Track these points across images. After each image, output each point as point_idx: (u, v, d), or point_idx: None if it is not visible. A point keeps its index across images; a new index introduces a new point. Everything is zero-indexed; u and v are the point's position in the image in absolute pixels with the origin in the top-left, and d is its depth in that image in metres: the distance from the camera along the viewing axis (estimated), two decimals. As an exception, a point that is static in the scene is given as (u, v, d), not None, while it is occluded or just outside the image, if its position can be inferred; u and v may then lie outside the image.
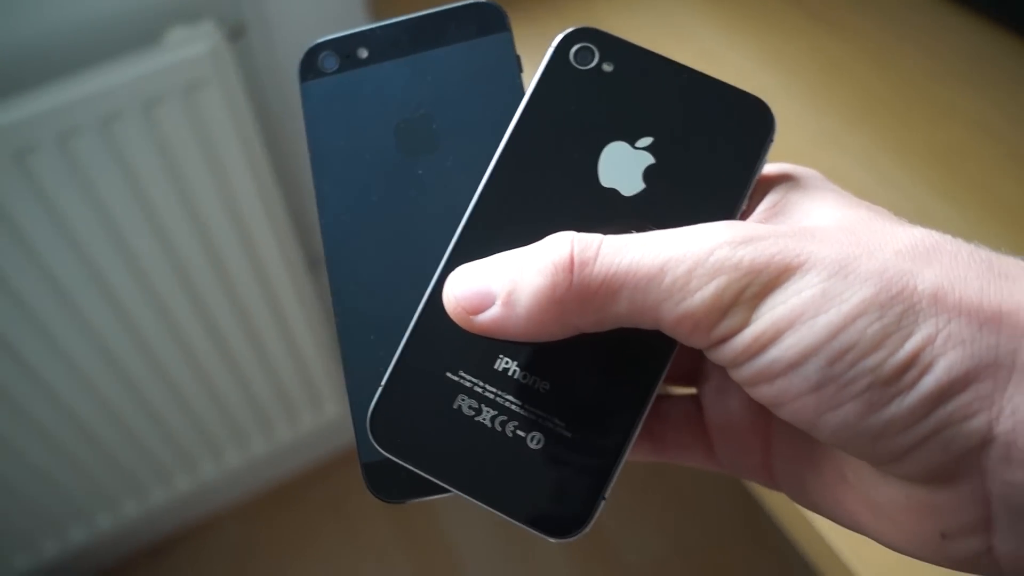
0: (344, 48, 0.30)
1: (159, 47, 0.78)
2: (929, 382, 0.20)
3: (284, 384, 1.13)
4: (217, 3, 0.84)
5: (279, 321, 1.04)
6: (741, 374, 0.22)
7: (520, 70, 0.30)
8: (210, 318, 0.98)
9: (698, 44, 0.80)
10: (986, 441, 0.20)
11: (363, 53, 0.30)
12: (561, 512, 0.25)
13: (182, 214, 0.87)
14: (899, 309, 0.20)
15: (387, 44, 0.30)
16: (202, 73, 0.79)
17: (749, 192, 0.26)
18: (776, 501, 0.52)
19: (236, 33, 0.87)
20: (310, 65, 0.31)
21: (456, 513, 1.35)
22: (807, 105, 0.74)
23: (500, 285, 0.23)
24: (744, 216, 0.26)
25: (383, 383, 0.26)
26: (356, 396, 0.28)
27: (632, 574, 1.29)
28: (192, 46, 0.77)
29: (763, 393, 0.22)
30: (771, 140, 0.26)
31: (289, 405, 1.17)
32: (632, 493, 1.35)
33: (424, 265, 0.27)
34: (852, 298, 0.20)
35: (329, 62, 0.30)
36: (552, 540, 0.25)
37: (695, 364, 0.29)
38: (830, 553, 0.48)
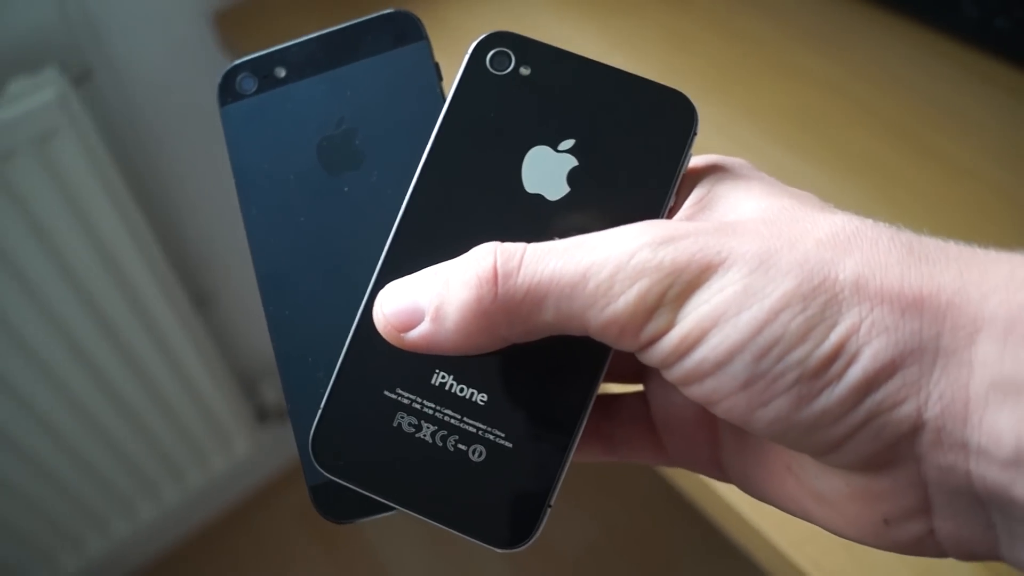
0: (261, 68, 0.30)
1: (1, 100, 0.74)
2: (856, 372, 0.20)
3: (189, 428, 1.10)
4: (57, 49, 0.81)
5: (173, 364, 1.01)
6: (672, 375, 0.22)
7: (440, 78, 0.29)
8: (99, 372, 0.94)
9: (545, 31, 0.81)
10: (917, 427, 0.20)
11: (280, 72, 0.30)
12: (508, 523, 0.25)
13: (53, 269, 0.83)
14: (822, 300, 0.20)
15: (304, 61, 0.30)
16: (52, 122, 0.75)
17: (675, 188, 0.26)
18: (691, 481, 0.54)
19: (82, 77, 0.83)
20: (228, 88, 0.30)
21: (387, 530, 1.34)
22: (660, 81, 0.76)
23: (428, 301, 0.23)
24: (672, 211, 0.26)
25: (322, 405, 0.26)
26: (297, 419, 0.28)
27: (567, 564, 1.31)
28: (37, 95, 0.74)
29: (695, 392, 0.22)
30: (694, 134, 0.26)
31: (197, 449, 1.14)
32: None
33: (356, 283, 0.27)
34: (774, 292, 0.20)
35: (247, 83, 0.30)
36: (500, 551, 0.25)
37: (639, 362, 0.30)
38: (746, 526, 0.50)
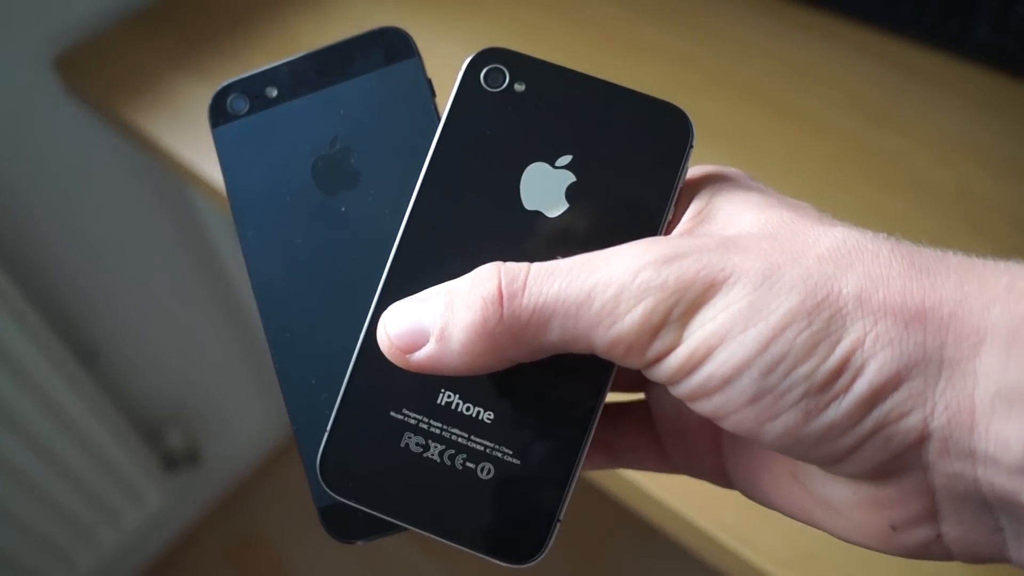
0: (252, 88, 0.29)
1: None
2: (862, 385, 0.20)
3: (93, 488, 1.05)
4: None
5: (65, 425, 0.96)
6: (679, 391, 0.22)
7: (433, 94, 0.29)
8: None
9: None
10: (923, 437, 0.20)
11: (272, 92, 0.29)
12: (518, 538, 0.25)
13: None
14: (826, 315, 0.20)
15: (296, 80, 0.29)
16: None
17: (673, 201, 0.25)
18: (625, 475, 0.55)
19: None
20: (219, 110, 0.29)
21: (319, 560, 1.32)
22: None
23: (432, 322, 0.23)
24: (671, 224, 0.26)
25: (328, 428, 0.25)
26: (304, 441, 0.27)
27: (502, 568, 1.31)
28: None
29: (702, 408, 0.22)
30: (691, 147, 0.26)
31: (106, 508, 1.09)
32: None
33: (357, 303, 0.26)
34: (779, 308, 0.20)
35: (238, 104, 0.29)
36: (512, 567, 0.25)
37: (643, 376, 0.30)
38: (652, 502, 0.51)
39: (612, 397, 0.26)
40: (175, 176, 0.83)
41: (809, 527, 0.49)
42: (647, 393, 0.30)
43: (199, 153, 0.74)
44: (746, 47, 0.77)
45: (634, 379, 0.29)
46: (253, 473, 1.42)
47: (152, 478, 1.13)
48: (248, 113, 0.29)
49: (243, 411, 1.37)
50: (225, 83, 0.30)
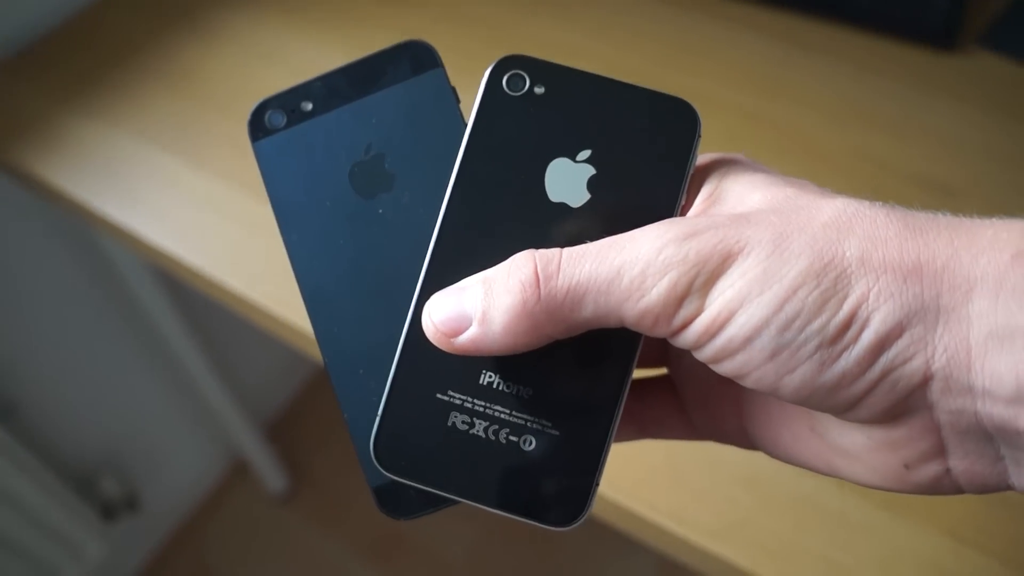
0: (288, 103, 0.32)
1: None
2: (869, 335, 0.22)
3: (28, 548, 1.02)
4: None
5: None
6: (704, 354, 0.24)
7: (458, 101, 0.31)
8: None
9: (292, 56, 0.80)
10: (927, 378, 0.22)
11: (307, 106, 0.31)
12: (561, 503, 0.27)
13: None
14: (833, 275, 0.22)
15: (329, 94, 0.31)
16: None
17: (686, 187, 0.28)
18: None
19: None
20: (258, 124, 0.32)
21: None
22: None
23: (473, 307, 0.25)
24: (685, 208, 0.28)
25: (379, 412, 0.27)
26: (355, 428, 0.29)
27: (456, 569, 1.31)
28: None
29: (726, 368, 0.24)
30: (699, 136, 0.28)
31: (45, 568, 1.06)
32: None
33: (398, 297, 0.29)
34: (790, 272, 0.22)
35: (276, 119, 0.31)
36: (557, 530, 0.27)
37: (663, 348, 0.32)
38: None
39: (637, 374, 0.28)
40: (79, 218, 0.80)
41: (732, 498, 0.50)
42: (670, 367, 0.32)
43: (99, 195, 0.72)
44: (637, 34, 0.78)
45: (656, 356, 0.32)
46: (197, 511, 1.39)
47: (91, 530, 1.10)
48: (286, 127, 0.31)
49: (179, 449, 1.34)
50: (262, 99, 0.32)
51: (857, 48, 0.77)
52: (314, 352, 0.67)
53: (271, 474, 1.40)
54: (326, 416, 1.50)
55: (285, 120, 0.31)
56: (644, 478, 0.47)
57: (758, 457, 0.53)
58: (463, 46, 0.78)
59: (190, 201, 0.71)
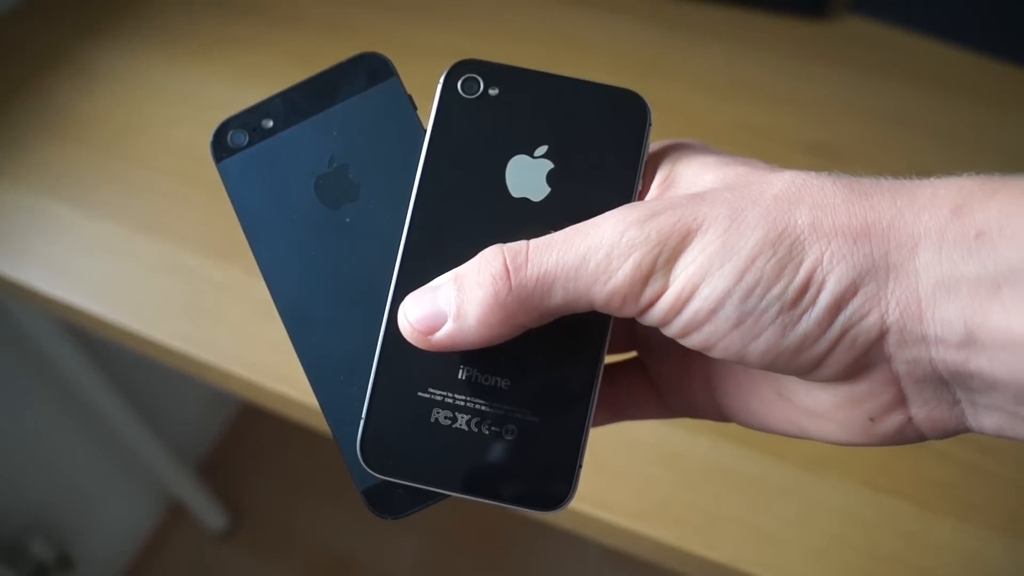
0: (249, 122, 0.32)
1: None
2: (826, 296, 0.23)
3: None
4: None
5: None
6: (672, 329, 0.25)
7: (415, 108, 0.32)
8: None
9: (173, 95, 0.78)
10: (883, 332, 0.23)
11: (268, 123, 0.32)
12: (548, 487, 0.28)
13: None
14: (787, 243, 0.23)
15: (289, 110, 0.32)
16: None
17: (641, 173, 0.29)
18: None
19: None
20: (221, 145, 0.32)
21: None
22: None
23: (447, 303, 0.26)
24: (642, 194, 0.29)
25: (363, 415, 0.28)
26: (340, 433, 0.30)
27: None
28: None
29: (694, 340, 0.25)
30: (650, 124, 0.29)
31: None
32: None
33: (372, 302, 0.29)
34: (747, 244, 0.24)
35: (238, 138, 0.32)
36: (547, 513, 0.28)
37: (631, 332, 0.33)
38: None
39: (608, 359, 0.29)
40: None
41: (652, 476, 0.51)
42: (639, 350, 0.33)
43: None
44: (516, 32, 0.79)
45: (625, 341, 0.33)
46: (137, 559, 1.36)
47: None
48: (248, 145, 0.32)
49: (110, 500, 1.30)
50: (223, 120, 0.32)
51: (733, 25, 0.79)
52: (233, 387, 0.65)
53: (209, 513, 1.37)
54: (258, 448, 1.47)
55: (247, 138, 0.32)
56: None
57: (674, 433, 0.54)
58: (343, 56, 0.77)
59: (83, 247, 0.69)
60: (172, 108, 0.77)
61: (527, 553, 1.32)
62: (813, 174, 0.25)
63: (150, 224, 0.69)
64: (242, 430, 1.50)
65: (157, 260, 0.67)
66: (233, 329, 0.63)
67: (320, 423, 0.63)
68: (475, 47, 0.76)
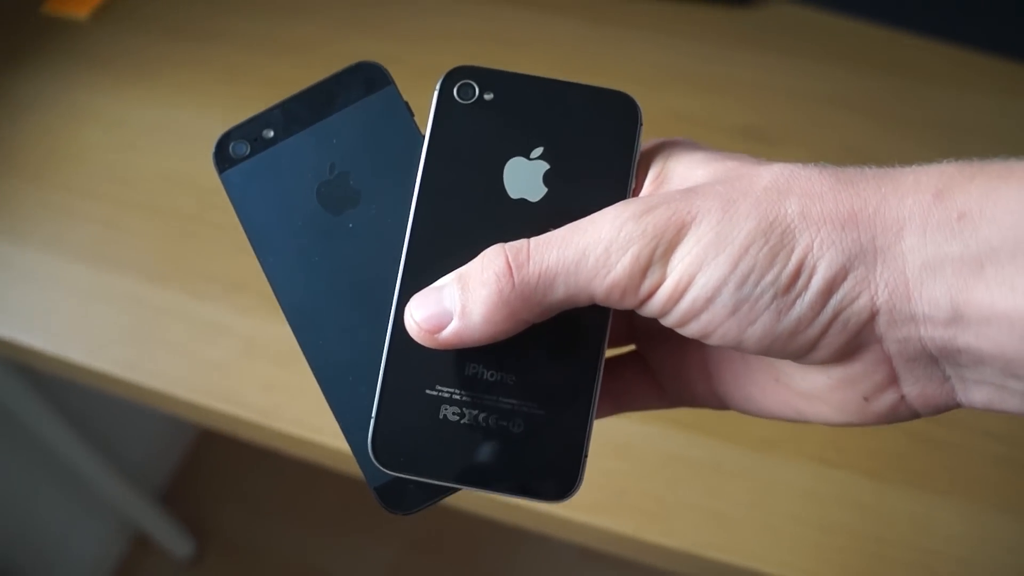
0: (250, 133, 0.32)
1: None
2: (817, 281, 0.24)
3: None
4: None
5: None
6: (671, 319, 0.26)
7: (412, 114, 0.32)
8: None
9: (102, 120, 0.77)
10: (873, 313, 0.24)
11: (269, 133, 0.32)
12: (555, 478, 0.28)
13: None
14: (779, 232, 0.24)
15: (289, 120, 0.32)
16: None
17: (634, 171, 0.29)
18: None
19: None
20: (223, 156, 0.32)
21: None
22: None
23: (452, 302, 0.27)
24: (635, 191, 0.30)
25: (374, 415, 0.29)
26: (351, 433, 0.30)
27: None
28: None
29: (692, 329, 0.26)
30: (641, 124, 0.30)
31: None
32: (342, 527, 1.35)
33: (377, 304, 0.30)
34: (740, 233, 0.24)
35: (240, 148, 0.32)
36: (555, 503, 0.28)
37: (630, 326, 0.33)
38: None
39: (609, 353, 0.30)
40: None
41: (607, 469, 0.51)
42: (638, 343, 0.34)
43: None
44: (451, 34, 0.79)
45: (624, 335, 0.34)
46: (103, 598, 1.33)
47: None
48: (250, 155, 0.32)
49: (72, 538, 1.28)
50: (224, 132, 0.33)
51: (662, 18, 0.80)
52: (181, 411, 0.64)
53: (175, 541, 1.35)
54: (220, 472, 1.46)
55: (249, 149, 0.32)
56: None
57: (624, 424, 0.54)
58: (280, 74, 0.77)
59: (17, 280, 0.67)
60: (101, 133, 0.75)
61: (501, 557, 1.32)
62: (800, 165, 0.26)
63: (84, 252, 0.68)
64: (202, 454, 1.48)
65: (94, 288, 0.66)
66: (177, 353, 0.62)
67: (279, 443, 0.63)
68: (404, 52, 0.75)
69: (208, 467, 1.47)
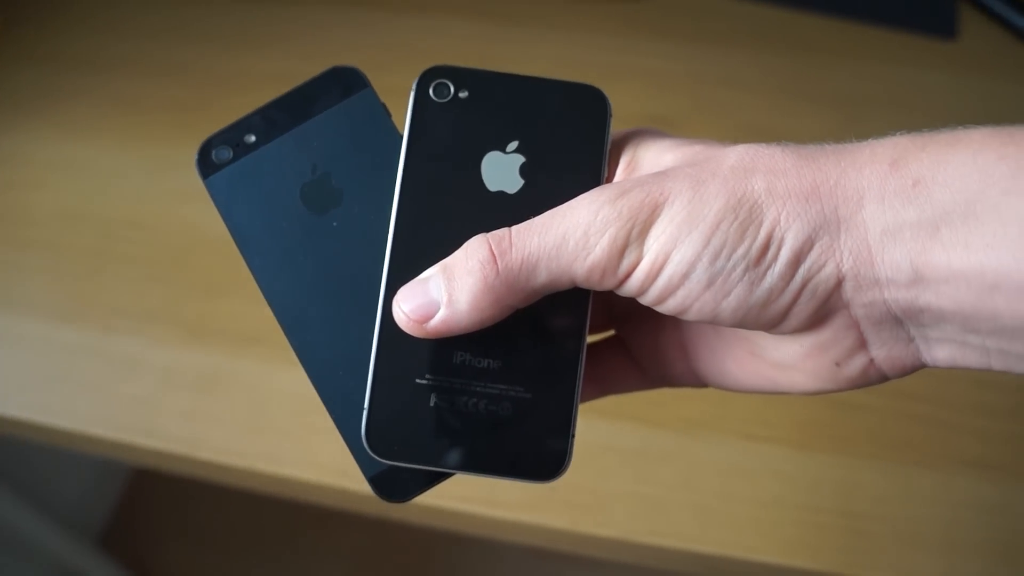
0: (231, 138, 0.33)
1: None
2: (785, 252, 0.25)
3: None
4: None
5: None
6: (648, 297, 0.27)
7: (389, 115, 0.33)
8: None
9: (36, 163, 0.74)
10: (840, 280, 0.25)
11: (250, 138, 0.33)
12: (544, 459, 0.29)
13: None
14: (747, 207, 0.26)
15: (269, 125, 0.33)
16: None
17: (606, 160, 0.31)
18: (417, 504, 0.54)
19: None
20: (206, 162, 0.33)
21: None
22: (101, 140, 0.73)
23: (439, 292, 0.28)
24: (608, 179, 0.31)
25: (366, 406, 0.29)
26: (344, 426, 0.31)
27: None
28: None
29: (670, 305, 0.27)
30: (611, 116, 0.31)
31: None
32: (288, 552, 1.33)
33: (364, 299, 0.31)
34: (711, 211, 0.26)
35: (222, 154, 0.33)
36: (546, 483, 0.29)
37: (608, 312, 0.35)
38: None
39: (589, 339, 0.31)
40: None
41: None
42: (617, 328, 0.35)
43: None
44: (334, 46, 0.78)
45: (603, 321, 0.35)
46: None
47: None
48: (233, 160, 0.33)
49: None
50: (206, 138, 0.34)
51: (558, 12, 0.81)
52: (102, 450, 0.63)
53: (118, 584, 1.31)
54: (159, 508, 1.42)
55: (231, 154, 0.33)
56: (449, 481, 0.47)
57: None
58: (175, 98, 0.75)
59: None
60: (35, 174, 0.73)
61: (452, 566, 1.31)
62: (763, 145, 0.28)
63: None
64: (139, 491, 1.44)
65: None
66: (93, 391, 0.60)
67: (207, 473, 0.62)
68: (295, 68, 0.73)
69: (146, 504, 1.43)
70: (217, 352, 0.61)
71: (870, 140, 0.27)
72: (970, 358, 0.26)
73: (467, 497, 0.50)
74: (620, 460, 0.52)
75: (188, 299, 0.63)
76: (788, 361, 0.29)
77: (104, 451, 0.61)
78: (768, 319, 0.27)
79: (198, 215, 0.67)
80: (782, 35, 0.78)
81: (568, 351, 0.30)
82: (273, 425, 0.57)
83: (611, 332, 0.36)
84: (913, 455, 0.55)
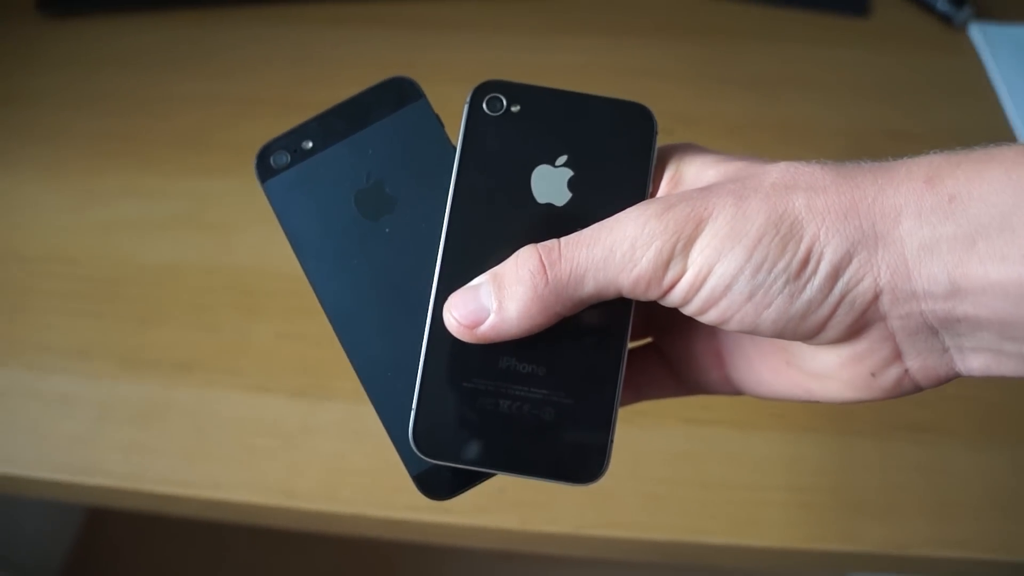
0: (290, 144, 0.35)
1: None
2: (825, 266, 0.26)
3: None
4: None
5: None
6: (691, 308, 0.28)
7: (442, 126, 0.34)
8: None
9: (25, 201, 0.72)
10: (877, 293, 0.26)
11: (308, 144, 0.34)
12: (584, 462, 0.30)
13: None
14: (788, 223, 0.27)
15: (326, 132, 0.35)
16: None
17: (652, 175, 0.32)
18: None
19: None
20: (265, 166, 0.34)
21: None
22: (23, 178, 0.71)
23: (489, 300, 0.29)
24: (653, 193, 0.32)
25: (414, 406, 0.30)
26: (391, 425, 0.32)
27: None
28: None
29: (711, 316, 0.28)
30: (656, 132, 0.32)
31: None
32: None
33: (414, 303, 0.32)
34: (753, 226, 0.27)
35: (280, 159, 0.34)
36: (584, 485, 0.30)
37: (646, 320, 0.36)
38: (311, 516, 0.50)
39: (627, 346, 0.32)
40: None
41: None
42: (655, 335, 0.36)
43: None
44: (256, 63, 0.77)
45: (643, 329, 0.36)
46: None
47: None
48: (290, 165, 0.34)
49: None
50: (265, 144, 0.35)
51: (480, 15, 0.81)
52: (45, 492, 0.61)
53: (81, 627, 1.28)
54: (118, 547, 1.39)
55: (289, 159, 0.34)
56: (400, 484, 0.47)
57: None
58: (94, 127, 0.74)
59: None
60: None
61: (416, 571, 1.31)
62: (804, 163, 0.28)
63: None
64: (96, 531, 1.41)
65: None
66: (27, 433, 0.59)
67: (151, 505, 0.60)
68: (220, 88, 0.73)
69: (103, 543, 1.40)
70: (153, 382, 0.60)
71: (905, 158, 0.28)
72: (1006, 366, 0.27)
73: (415, 506, 0.50)
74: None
75: (120, 331, 0.62)
76: (824, 371, 0.30)
77: (46, 493, 0.60)
78: (806, 330, 0.28)
79: (125, 246, 0.66)
80: (699, 23, 0.80)
81: (610, 358, 0.31)
82: (215, 451, 0.56)
83: (648, 339, 0.37)
84: (852, 424, 0.56)
